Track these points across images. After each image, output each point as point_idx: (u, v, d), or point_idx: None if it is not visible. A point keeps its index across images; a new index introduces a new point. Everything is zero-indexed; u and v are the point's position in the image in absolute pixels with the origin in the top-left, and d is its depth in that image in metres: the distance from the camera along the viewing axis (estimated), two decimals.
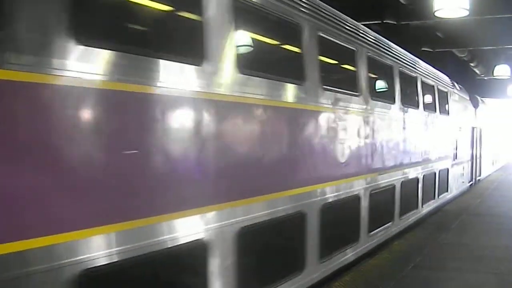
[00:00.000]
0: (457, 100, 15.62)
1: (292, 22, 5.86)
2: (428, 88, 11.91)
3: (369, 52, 8.19)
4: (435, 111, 12.52)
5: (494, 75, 20.01)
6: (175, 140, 4.08)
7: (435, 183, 12.99)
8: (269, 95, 5.37)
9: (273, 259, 5.55)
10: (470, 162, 18.38)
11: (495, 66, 19.80)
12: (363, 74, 7.92)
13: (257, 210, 5.12)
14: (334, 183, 6.95)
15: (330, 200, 6.78)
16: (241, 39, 5.02)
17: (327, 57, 6.80)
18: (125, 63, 3.58)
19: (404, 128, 10.03)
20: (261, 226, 5.14)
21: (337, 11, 7.14)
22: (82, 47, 3.24)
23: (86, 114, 3.38)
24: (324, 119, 6.66)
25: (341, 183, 7.17)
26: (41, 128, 3.05)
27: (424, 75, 11.58)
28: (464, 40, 15.91)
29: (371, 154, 8.36)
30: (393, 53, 9.49)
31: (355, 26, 7.80)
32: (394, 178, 9.50)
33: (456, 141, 15.41)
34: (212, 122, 4.47)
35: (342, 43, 7.27)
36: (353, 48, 7.63)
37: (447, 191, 14.48)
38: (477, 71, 21.94)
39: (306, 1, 6.11)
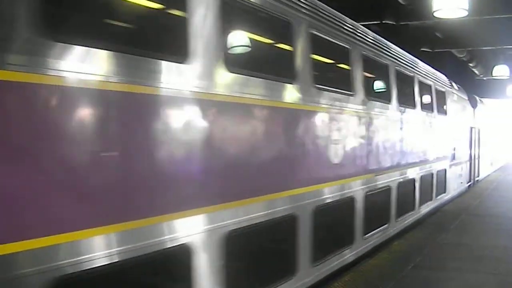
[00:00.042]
0: (455, 100, 15.50)
1: (282, 19, 5.69)
2: (425, 88, 11.76)
3: (364, 51, 8.03)
4: (433, 111, 12.37)
5: (493, 75, 19.97)
6: (156, 142, 3.90)
7: (433, 184, 12.83)
8: (258, 94, 5.19)
9: (263, 263, 5.38)
10: (468, 163, 18.27)
11: (494, 66, 19.74)
12: (357, 73, 7.75)
13: (246, 213, 4.95)
14: (328, 184, 6.79)
15: (323, 202, 6.61)
16: (229, 36, 4.85)
17: (319, 56, 6.63)
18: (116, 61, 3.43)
19: (400, 128, 9.87)
20: (250, 229, 4.97)
21: (330, 9, 6.98)
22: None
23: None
24: (316, 119, 6.49)
25: (334, 184, 7.00)
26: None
27: (421, 74, 11.43)
28: (463, 41, 15.92)
29: (366, 155, 8.20)
30: (389, 52, 9.33)
31: (349, 24, 7.63)
32: (390, 179, 9.33)
33: (454, 142, 15.28)
34: (196, 123, 4.30)
35: (335, 41, 7.11)
36: (347, 47, 7.46)
37: (445, 192, 14.33)
38: (476, 72, 21.89)
39: None
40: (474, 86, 22.35)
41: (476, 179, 20.33)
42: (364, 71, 7.96)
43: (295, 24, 5.89)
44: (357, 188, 7.77)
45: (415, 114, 10.82)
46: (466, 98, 17.83)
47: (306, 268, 6.16)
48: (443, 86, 13.80)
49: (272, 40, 5.86)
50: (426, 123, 11.80)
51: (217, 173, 4.56)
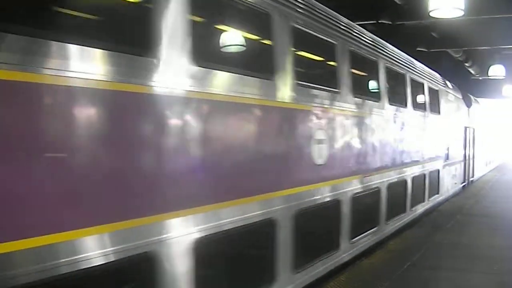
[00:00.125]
0: (449, 99, 15.22)
1: (260, 11, 5.33)
2: (417, 86, 11.44)
3: (351, 46, 7.68)
4: (425, 110, 12.04)
5: (488, 75, 19.75)
6: (112, 142, 3.56)
7: (425, 185, 12.52)
8: (230, 90, 4.82)
9: (237, 272, 5.02)
10: (462, 163, 17.99)
11: (489, 66, 19.51)
12: (344, 69, 7.40)
13: (217, 218, 4.59)
14: (311, 186, 6.43)
15: (306, 205, 6.24)
16: (200, 28, 4.49)
17: (302, 51, 6.29)
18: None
19: (390, 127, 9.53)
20: (221, 236, 4.61)
21: (314, 1, 6.62)
22: None
23: None
24: (298, 117, 6.14)
25: (319, 186, 6.65)
26: None
27: (413, 72, 11.10)
28: (459, 40, 15.89)
29: (353, 155, 7.85)
30: (378, 48, 8.98)
31: (336, 18, 7.27)
32: (379, 181, 8.99)
33: (448, 142, 14.99)
34: (162, 120, 3.95)
35: (320, 36, 6.75)
36: (333, 42, 7.11)
37: (438, 193, 14.02)
38: (472, 71, 21.70)
39: None
40: (470, 86, 22.17)
41: (471, 179, 20.06)
42: (352, 68, 7.60)
43: (275, 16, 5.53)
44: (343, 190, 7.42)
45: (406, 113, 10.48)
46: (461, 97, 17.58)
47: (286, 275, 5.82)
48: (437, 84, 13.48)
49: (249, 33, 5.44)
50: (418, 122, 11.48)
51: (181, 176, 4.19)
